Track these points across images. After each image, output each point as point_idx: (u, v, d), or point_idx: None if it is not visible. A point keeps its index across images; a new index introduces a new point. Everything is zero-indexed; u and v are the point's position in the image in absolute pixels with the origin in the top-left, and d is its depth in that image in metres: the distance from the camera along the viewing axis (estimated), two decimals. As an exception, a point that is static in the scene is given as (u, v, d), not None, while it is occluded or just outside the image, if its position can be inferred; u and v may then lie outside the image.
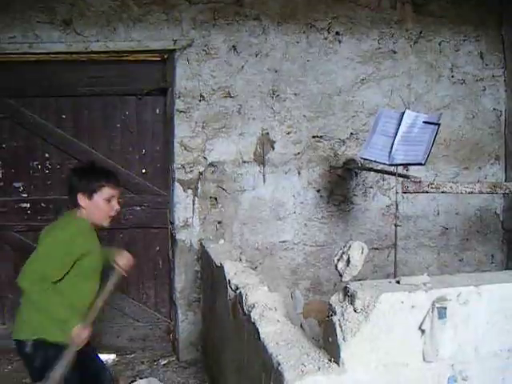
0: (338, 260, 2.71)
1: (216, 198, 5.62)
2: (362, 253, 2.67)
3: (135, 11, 5.34)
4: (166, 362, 5.61)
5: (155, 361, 5.63)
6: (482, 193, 5.08)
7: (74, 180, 3.73)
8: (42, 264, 3.48)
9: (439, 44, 5.96)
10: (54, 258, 3.49)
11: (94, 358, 4.02)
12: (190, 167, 5.53)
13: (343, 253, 2.69)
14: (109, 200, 3.75)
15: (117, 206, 3.82)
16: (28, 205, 5.63)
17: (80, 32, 5.28)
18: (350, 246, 2.68)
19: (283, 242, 5.77)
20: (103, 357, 5.46)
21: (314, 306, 5.63)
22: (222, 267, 4.17)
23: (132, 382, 5.07)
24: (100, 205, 3.73)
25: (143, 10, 5.35)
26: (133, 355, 5.71)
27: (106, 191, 3.73)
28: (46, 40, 5.24)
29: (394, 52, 5.87)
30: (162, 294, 5.91)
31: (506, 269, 6.06)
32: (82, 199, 3.68)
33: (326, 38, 5.72)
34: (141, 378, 5.15)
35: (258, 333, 2.90)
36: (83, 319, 3.59)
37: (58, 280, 3.53)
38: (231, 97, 5.57)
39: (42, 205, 5.62)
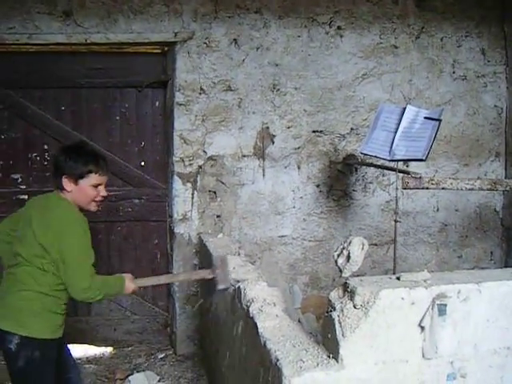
0: (338, 255, 2.70)
1: (215, 192, 5.60)
2: (363, 248, 2.65)
3: (136, 3, 5.31)
4: (163, 355, 5.60)
5: (152, 354, 5.63)
6: (482, 189, 5.07)
7: (60, 161, 3.51)
8: (86, 261, 3.36)
9: (441, 40, 5.94)
10: (85, 246, 3.40)
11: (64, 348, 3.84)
12: (190, 160, 5.52)
13: (343, 248, 2.68)
14: (96, 186, 3.55)
15: (104, 192, 3.62)
16: (26, 196, 5.58)
17: (80, 23, 5.25)
18: (350, 242, 2.66)
19: (282, 236, 5.76)
20: (100, 350, 5.50)
21: (312, 301, 5.62)
22: (220, 261, 4.15)
23: (129, 375, 5.07)
24: (86, 190, 3.52)
25: (144, 2, 5.32)
26: (130, 348, 5.71)
27: (94, 178, 3.53)
28: (46, 31, 5.21)
29: (396, 47, 5.85)
30: (160, 287, 5.88)
31: (504, 266, 6.07)
32: (66, 183, 3.47)
33: (327, 33, 5.70)
34: (138, 372, 5.16)
35: (257, 327, 2.89)
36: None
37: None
38: (231, 90, 5.55)
39: (41, 196, 5.60)
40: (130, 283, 3.57)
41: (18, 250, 3.44)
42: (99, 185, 3.58)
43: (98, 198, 3.62)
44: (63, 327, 3.54)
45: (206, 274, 3.75)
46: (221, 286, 3.63)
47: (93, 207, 3.62)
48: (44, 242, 3.33)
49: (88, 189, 3.53)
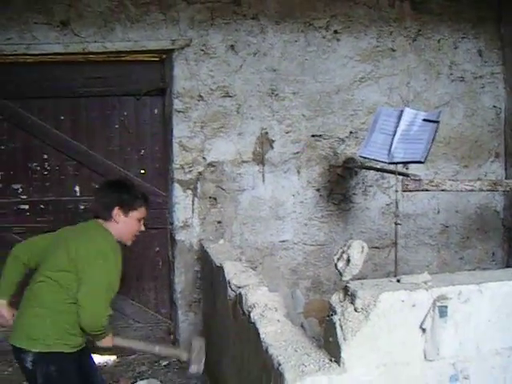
0: (338, 259, 2.69)
1: (215, 198, 5.61)
2: (363, 252, 2.64)
3: (132, 11, 5.33)
4: (166, 363, 5.59)
5: (156, 362, 5.61)
6: (482, 190, 5.08)
7: (114, 193, 3.72)
8: (103, 293, 3.43)
9: (438, 41, 5.95)
10: (110, 280, 3.49)
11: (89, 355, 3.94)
12: (189, 167, 5.52)
13: (343, 252, 2.67)
14: (140, 220, 3.77)
15: (143, 227, 3.84)
16: (27, 206, 5.62)
17: (77, 33, 5.27)
18: (349, 245, 2.66)
19: (283, 241, 5.76)
20: (103, 358, 5.49)
21: (315, 306, 5.62)
22: (221, 267, 4.15)
23: (133, 383, 5.07)
24: (133, 223, 3.73)
25: (140, 11, 5.34)
26: (133, 356, 5.69)
27: (142, 211, 3.76)
28: (44, 41, 5.23)
29: (393, 50, 5.86)
30: (162, 294, 5.89)
31: (506, 266, 6.06)
32: (118, 214, 3.66)
33: (324, 37, 5.71)
34: (141, 380, 5.15)
35: (259, 333, 2.89)
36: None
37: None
38: (230, 96, 5.56)
39: (41, 206, 5.61)
40: (107, 339, 3.62)
41: (42, 266, 3.51)
42: (143, 218, 3.78)
43: (137, 233, 3.82)
44: (81, 343, 3.58)
45: (182, 354, 3.93)
46: (192, 370, 3.80)
47: (130, 241, 3.81)
48: (76, 257, 3.41)
49: (135, 222, 3.73)
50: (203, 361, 3.80)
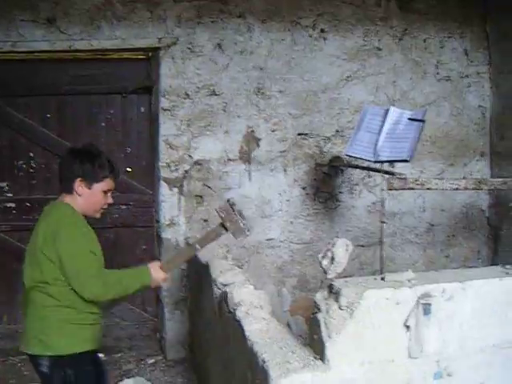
0: (323, 257, 2.71)
1: (202, 197, 5.61)
2: (347, 250, 2.66)
3: (119, 9, 5.32)
4: (153, 361, 5.59)
5: (142, 360, 5.61)
6: (468, 189, 5.10)
7: (75, 163, 3.35)
8: (86, 262, 3.21)
9: (424, 41, 5.98)
10: (87, 246, 3.27)
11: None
12: (176, 165, 5.52)
13: (327, 250, 2.69)
14: (106, 192, 3.43)
15: (110, 199, 3.50)
16: (13, 204, 5.60)
17: (64, 30, 5.25)
18: (334, 244, 2.67)
19: (269, 239, 5.77)
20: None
21: (301, 304, 5.63)
22: (207, 265, 4.16)
23: (119, 381, 5.05)
24: (97, 196, 3.40)
25: (127, 8, 5.33)
26: (119, 354, 5.68)
27: (108, 182, 3.43)
28: (30, 38, 5.21)
29: (379, 49, 5.88)
30: (149, 292, 5.85)
31: (492, 264, 6.08)
32: (79, 186, 3.33)
33: (310, 36, 5.72)
34: (128, 378, 5.14)
35: (244, 331, 2.90)
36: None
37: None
38: (216, 95, 5.56)
39: (27, 204, 5.59)
40: (157, 273, 3.45)
41: (27, 271, 3.35)
42: (109, 190, 3.47)
43: (105, 206, 3.51)
44: (96, 338, 3.43)
45: (218, 230, 3.58)
46: (238, 236, 3.50)
47: (98, 214, 3.51)
48: (46, 250, 3.21)
49: (99, 194, 3.41)
50: (242, 222, 3.47)
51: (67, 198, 3.39)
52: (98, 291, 3.23)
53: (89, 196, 3.38)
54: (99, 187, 3.39)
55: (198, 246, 3.59)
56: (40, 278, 3.24)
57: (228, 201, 3.58)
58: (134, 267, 3.52)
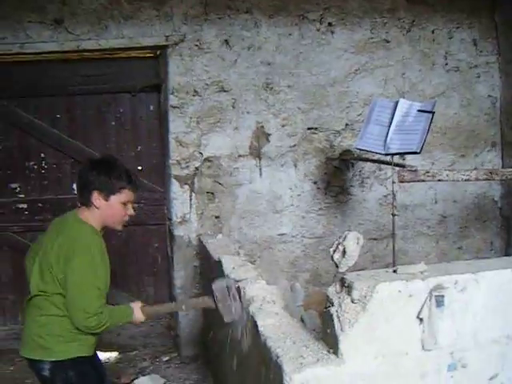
0: (334, 251, 2.71)
1: (213, 193, 5.61)
2: (358, 243, 2.67)
3: (126, 8, 5.32)
4: (167, 358, 5.61)
5: (157, 357, 5.63)
6: (479, 180, 5.08)
7: (92, 175, 3.30)
8: (88, 299, 3.16)
9: (432, 32, 5.95)
10: (95, 281, 3.21)
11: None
12: (186, 163, 5.52)
13: (339, 244, 2.69)
14: (125, 203, 3.35)
15: (131, 211, 3.43)
16: (25, 205, 5.63)
17: (71, 30, 5.26)
18: (345, 237, 2.67)
19: (281, 234, 5.76)
20: (105, 355, 5.50)
21: (315, 298, 5.62)
22: (220, 262, 4.16)
23: (134, 379, 5.07)
24: (116, 208, 3.33)
25: (134, 7, 5.33)
26: (134, 352, 5.71)
27: (126, 194, 3.35)
28: (38, 40, 5.22)
29: (387, 41, 5.86)
30: (162, 290, 5.91)
31: (505, 255, 6.05)
32: (97, 198, 3.28)
33: (318, 30, 5.70)
34: (143, 375, 5.15)
35: (257, 326, 2.90)
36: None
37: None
38: (225, 91, 5.56)
39: (39, 205, 5.62)
40: (137, 313, 3.41)
41: (34, 278, 3.36)
42: (129, 202, 3.40)
43: (126, 218, 3.45)
44: (96, 344, 3.45)
45: (210, 303, 3.40)
46: (227, 320, 3.30)
47: (119, 226, 3.45)
48: (55, 270, 3.20)
49: (118, 206, 3.34)
50: (234, 306, 3.26)
51: (85, 212, 3.34)
52: (90, 326, 3.21)
53: (107, 208, 3.32)
54: (117, 199, 3.32)
55: (184, 307, 3.58)
56: (45, 289, 3.25)
57: (226, 282, 3.41)
58: (120, 305, 3.47)
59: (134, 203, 3.45)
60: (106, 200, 3.30)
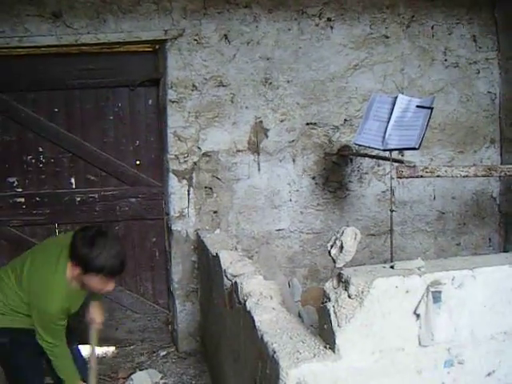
0: (332, 246, 2.70)
1: (211, 188, 5.61)
2: (355, 238, 2.66)
3: (125, 2, 5.30)
4: (165, 353, 5.62)
5: (154, 352, 5.64)
6: (478, 176, 5.08)
7: (78, 244, 3.31)
8: (46, 326, 3.40)
9: (432, 28, 5.93)
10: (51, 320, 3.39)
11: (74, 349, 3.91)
12: (184, 157, 5.52)
13: (336, 239, 2.68)
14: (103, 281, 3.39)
15: (111, 287, 3.47)
16: (23, 199, 5.60)
17: (70, 24, 5.24)
18: (342, 232, 2.67)
19: (279, 230, 5.76)
20: (102, 349, 5.50)
21: (312, 294, 5.63)
22: (217, 257, 4.16)
23: (131, 373, 5.08)
24: (93, 282, 3.37)
25: (133, 1, 5.31)
26: (132, 347, 5.72)
27: (103, 279, 3.36)
28: (36, 33, 5.20)
29: (387, 37, 5.84)
30: (160, 285, 5.90)
31: (503, 252, 6.06)
32: (73, 268, 3.32)
33: (317, 25, 5.69)
34: (140, 370, 5.17)
35: (254, 321, 2.90)
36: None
37: None
38: (224, 86, 5.55)
39: (37, 199, 5.60)
40: None
41: (15, 262, 3.57)
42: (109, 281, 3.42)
43: (104, 291, 3.50)
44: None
45: None
46: None
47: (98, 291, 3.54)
48: (24, 288, 3.40)
49: (95, 281, 3.36)
50: None
51: (69, 264, 3.37)
52: (42, 345, 3.43)
53: (83, 278, 3.36)
54: (94, 277, 3.34)
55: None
56: (13, 278, 3.47)
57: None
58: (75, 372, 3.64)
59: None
60: (84, 274, 3.32)
